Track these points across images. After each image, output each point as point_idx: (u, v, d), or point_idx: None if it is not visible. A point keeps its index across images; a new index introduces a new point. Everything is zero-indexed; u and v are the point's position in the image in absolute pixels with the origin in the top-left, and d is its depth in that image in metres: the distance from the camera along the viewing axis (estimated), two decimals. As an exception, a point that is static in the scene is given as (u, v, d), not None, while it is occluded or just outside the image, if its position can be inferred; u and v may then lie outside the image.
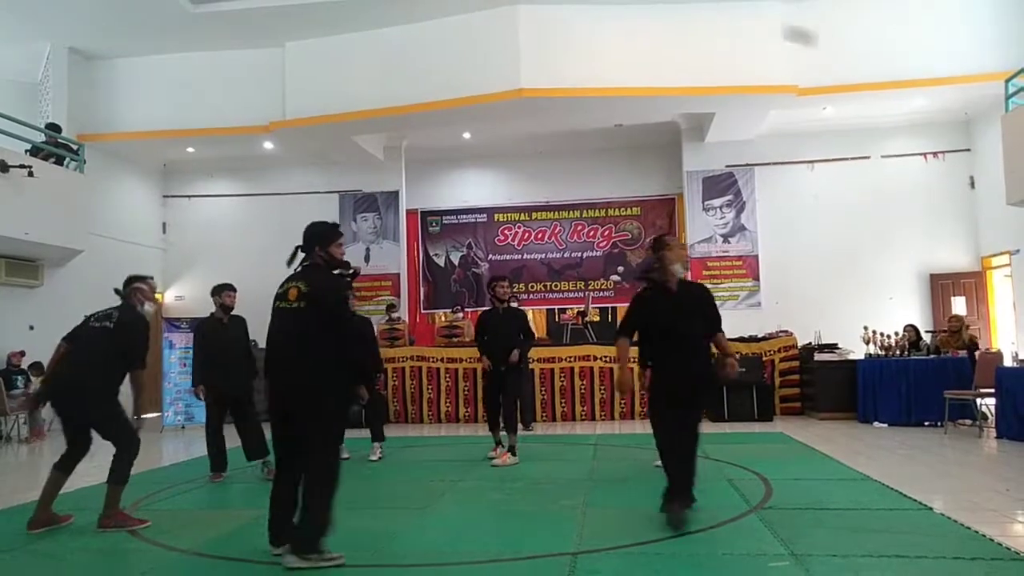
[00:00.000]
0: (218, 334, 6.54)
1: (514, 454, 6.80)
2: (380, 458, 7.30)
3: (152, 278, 5.22)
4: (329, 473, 3.79)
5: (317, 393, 3.77)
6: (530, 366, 9.44)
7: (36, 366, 10.36)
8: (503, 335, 6.86)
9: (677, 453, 4.41)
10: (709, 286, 13.44)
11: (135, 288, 5.02)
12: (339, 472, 3.84)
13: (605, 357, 10.42)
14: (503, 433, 6.97)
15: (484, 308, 7.40)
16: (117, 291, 5.04)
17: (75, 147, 11.13)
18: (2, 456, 8.76)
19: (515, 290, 13.41)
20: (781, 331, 10.73)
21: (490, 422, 7.14)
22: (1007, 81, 9.61)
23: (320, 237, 4.03)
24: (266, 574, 3.72)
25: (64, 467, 4.81)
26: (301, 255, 4.04)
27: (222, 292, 6.61)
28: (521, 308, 7.50)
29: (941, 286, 12.00)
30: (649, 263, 4.72)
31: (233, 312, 6.65)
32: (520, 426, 9.74)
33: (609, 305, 13.50)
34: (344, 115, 11.13)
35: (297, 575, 3.63)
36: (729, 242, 12.62)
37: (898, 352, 9.44)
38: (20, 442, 9.88)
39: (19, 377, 10.26)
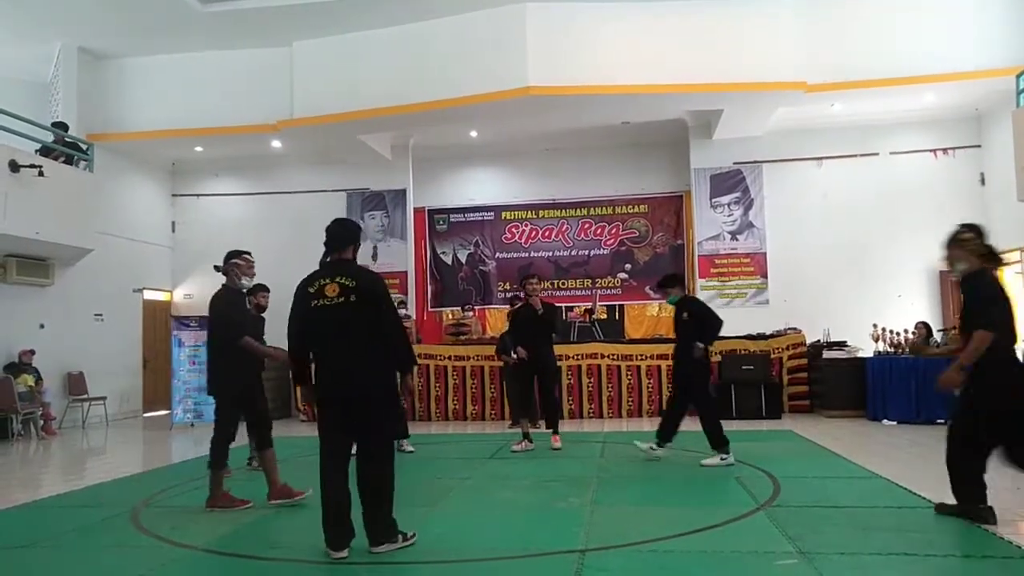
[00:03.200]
0: (257, 328, 6.59)
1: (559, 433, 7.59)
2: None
3: (249, 253, 5.27)
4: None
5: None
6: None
7: (10, 367, 10.24)
8: (532, 330, 7.34)
9: None
10: (716, 283, 13.35)
11: (232, 264, 5.15)
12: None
13: (613, 355, 10.41)
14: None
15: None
16: (216, 267, 5.21)
17: (85, 147, 11.20)
18: (11, 454, 8.82)
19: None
20: (789, 328, 10.68)
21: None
22: (1018, 76, 9.52)
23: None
24: (273, 571, 3.74)
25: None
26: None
27: (256, 293, 6.55)
28: (553, 304, 7.87)
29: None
30: None
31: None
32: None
33: (616, 303, 13.49)
34: (352, 114, 11.15)
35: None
36: (737, 239, 12.58)
37: (907, 349, 9.38)
38: (32, 438, 9.94)
39: (29, 376, 10.30)
